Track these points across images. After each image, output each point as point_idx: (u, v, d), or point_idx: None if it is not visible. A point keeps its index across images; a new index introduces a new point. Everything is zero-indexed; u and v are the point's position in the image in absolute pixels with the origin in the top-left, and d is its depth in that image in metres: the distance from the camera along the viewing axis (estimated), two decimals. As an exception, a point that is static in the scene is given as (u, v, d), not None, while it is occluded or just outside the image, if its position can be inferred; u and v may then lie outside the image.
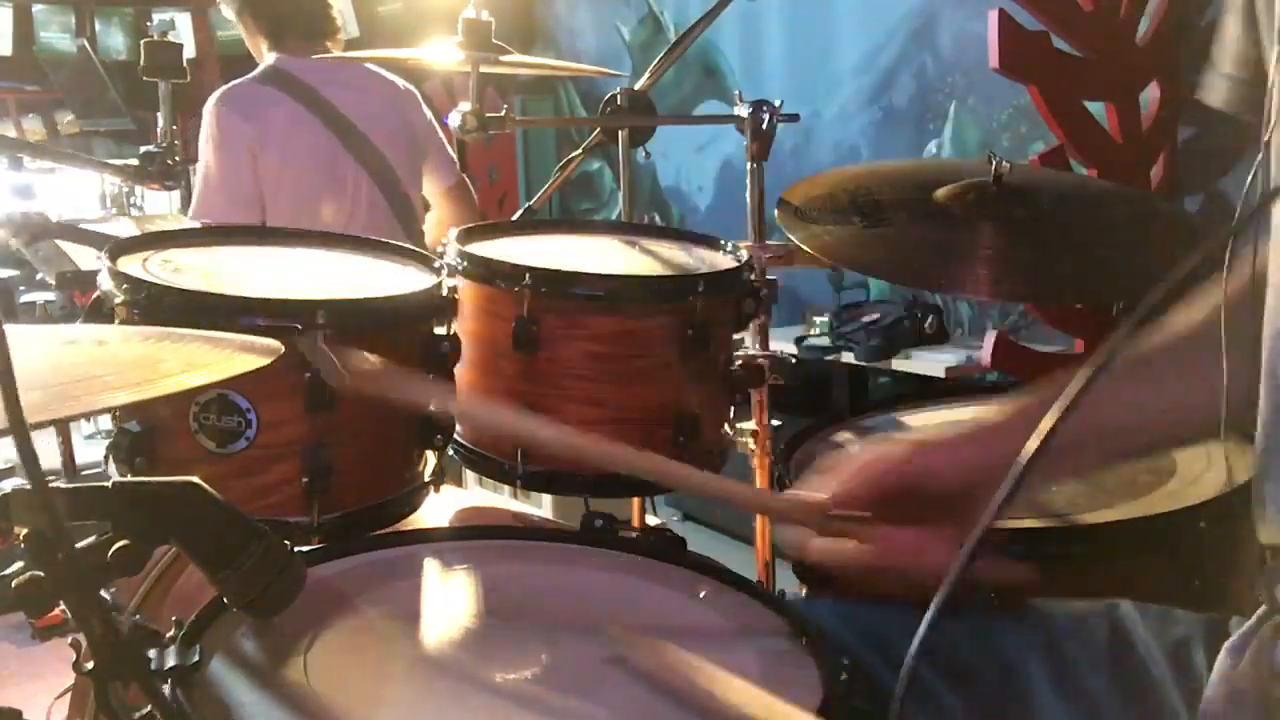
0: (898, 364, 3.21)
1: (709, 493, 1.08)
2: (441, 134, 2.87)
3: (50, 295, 3.68)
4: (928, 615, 0.57)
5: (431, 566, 1.08)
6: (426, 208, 2.92)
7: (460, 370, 1.27)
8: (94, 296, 1.15)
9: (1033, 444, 0.58)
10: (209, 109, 2.60)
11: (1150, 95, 2.78)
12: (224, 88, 2.65)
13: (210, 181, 2.60)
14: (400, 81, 2.82)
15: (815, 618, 0.97)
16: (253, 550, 0.75)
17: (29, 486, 0.65)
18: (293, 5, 2.71)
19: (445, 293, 1.25)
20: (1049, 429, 0.57)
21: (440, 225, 2.86)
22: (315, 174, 2.64)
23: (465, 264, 1.29)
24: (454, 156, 2.92)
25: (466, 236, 1.38)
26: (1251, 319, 0.79)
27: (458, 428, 1.30)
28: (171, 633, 0.82)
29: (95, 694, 0.71)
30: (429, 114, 2.86)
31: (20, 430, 0.59)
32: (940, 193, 1.53)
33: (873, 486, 0.97)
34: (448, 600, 1.04)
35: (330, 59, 2.64)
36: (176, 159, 1.71)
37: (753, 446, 1.57)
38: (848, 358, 3.31)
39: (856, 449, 1.03)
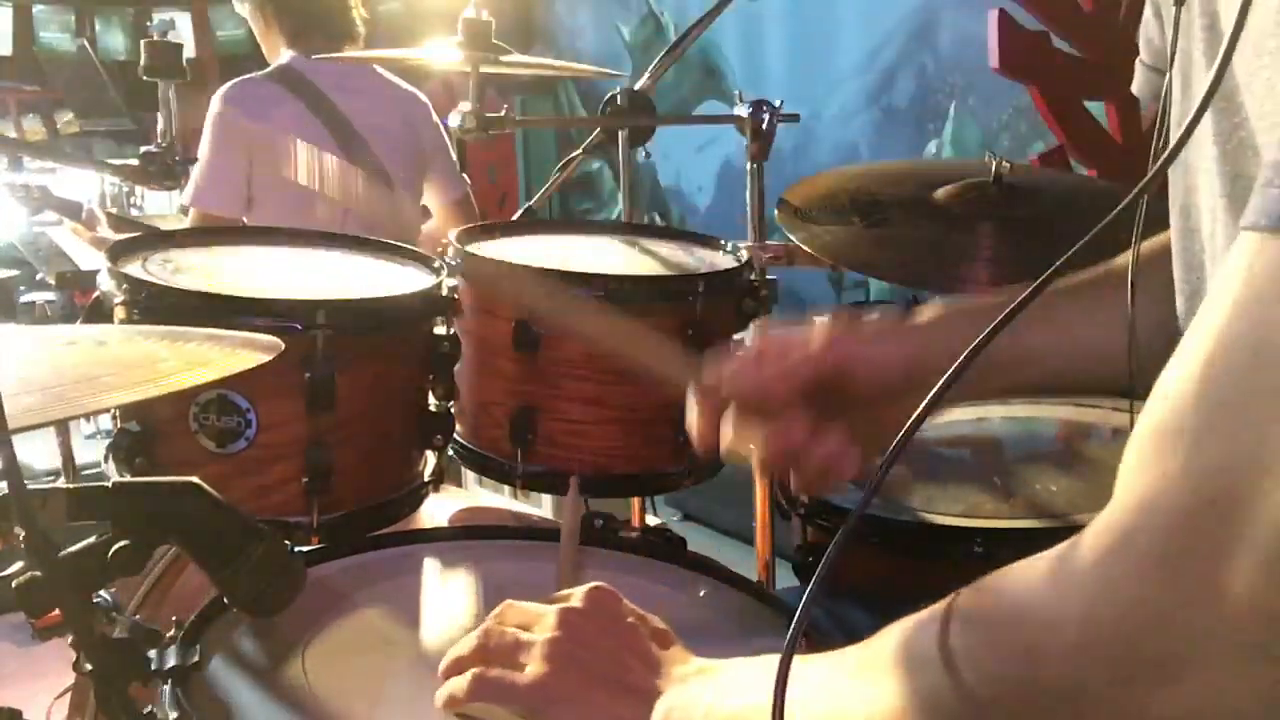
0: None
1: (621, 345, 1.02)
2: (451, 148, 2.88)
3: (50, 295, 3.67)
4: (843, 529, 0.57)
5: (431, 566, 1.08)
6: (426, 217, 2.93)
7: (460, 370, 1.27)
8: (94, 296, 1.15)
9: (943, 380, 0.57)
10: (215, 101, 2.63)
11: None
12: (233, 82, 2.67)
13: (204, 172, 2.62)
14: (417, 93, 2.83)
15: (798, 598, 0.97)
16: (253, 550, 0.75)
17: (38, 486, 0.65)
18: (320, 5, 2.73)
19: (445, 293, 1.25)
20: (960, 364, 0.57)
21: (438, 237, 2.87)
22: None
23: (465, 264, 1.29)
24: (461, 172, 2.94)
25: (466, 236, 1.38)
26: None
27: (458, 427, 1.30)
28: (171, 633, 0.83)
29: (95, 694, 0.71)
30: (441, 128, 2.87)
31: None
32: (940, 193, 1.53)
33: (789, 376, 0.90)
34: (448, 600, 1.04)
35: (344, 63, 2.65)
36: (176, 159, 1.71)
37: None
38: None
39: (774, 333, 0.95)
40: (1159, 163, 0.55)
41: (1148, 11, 0.84)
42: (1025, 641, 0.54)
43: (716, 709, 0.72)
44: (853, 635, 1.09)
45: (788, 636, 0.58)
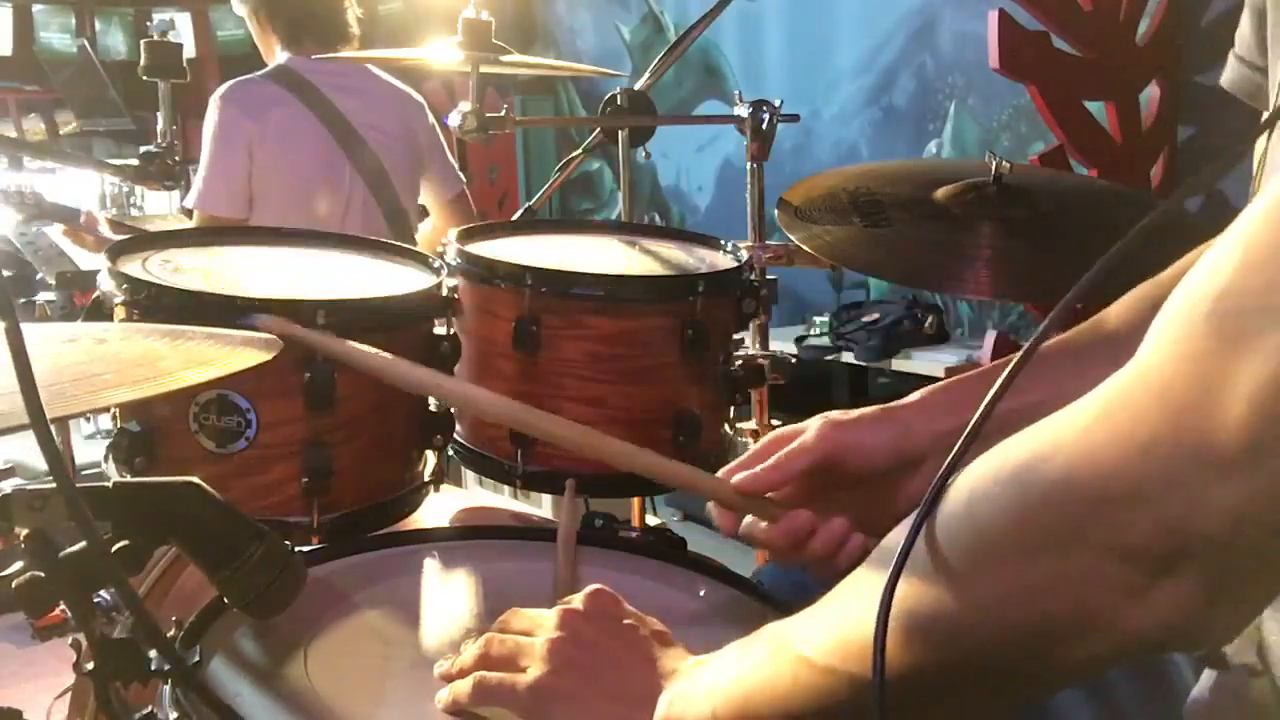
0: (898, 364, 3.21)
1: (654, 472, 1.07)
2: (446, 147, 2.89)
3: (50, 295, 3.67)
4: (884, 588, 0.57)
5: (431, 566, 1.08)
6: (424, 215, 2.94)
7: (460, 370, 1.27)
8: (94, 296, 1.15)
9: (961, 436, 0.58)
10: (214, 101, 2.64)
11: (1150, 95, 2.78)
12: (231, 82, 2.67)
13: (207, 174, 2.63)
14: (411, 92, 2.84)
15: (785, 586, 0.98)
16: (253, 550, 0.75)
17: (37, 486, 0.65)
18: (312, 8, 2.73)
19: (445, 293, 1.25)
20: (976, 421, 0.58)
21: (435, 235, 2.88)
22: (310, 175, 2.66)
23: (465, 264, 1.29)
24: (458, 170, 2.94)
25: (466, 236, 1.38)
26: None
27: (458, 427, 1.30)
28: (171, 633, 0.82)
29: (95, 694, 0.71)
30: (436, 126, 2.87)
31: (42, 428, 0.58)
32: (940, 193, 1.53)
33: (788, 470, 0.98)
34: (448, 600, 1.04)
35: (341, 62, 2.66)
36: (176, 159, 1.71)
37: (753, 446, 1.57)
38: (848, 358, 3.31)
39: (773, 432, 1.04)
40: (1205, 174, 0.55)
41: (1247, 6, 0.85)
42: (1020, 478, 0.54)
43: (717, 685, 0.73)
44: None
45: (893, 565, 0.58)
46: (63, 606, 0.69)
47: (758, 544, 1.00)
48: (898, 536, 0.59)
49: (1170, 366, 0.50)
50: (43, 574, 0.68)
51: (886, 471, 0.98)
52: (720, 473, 1.03)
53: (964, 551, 0.57)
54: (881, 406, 1.01)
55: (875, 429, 0.99)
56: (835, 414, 1.01)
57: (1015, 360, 0.58)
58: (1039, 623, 0.54)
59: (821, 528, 0.96)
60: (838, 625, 0.65)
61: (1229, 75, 0.89)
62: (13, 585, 0.68)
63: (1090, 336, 0.97)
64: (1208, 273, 0.50)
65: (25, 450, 3.17)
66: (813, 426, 1.00)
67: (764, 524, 0.99)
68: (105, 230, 2.56)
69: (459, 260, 1.29)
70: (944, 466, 0.58)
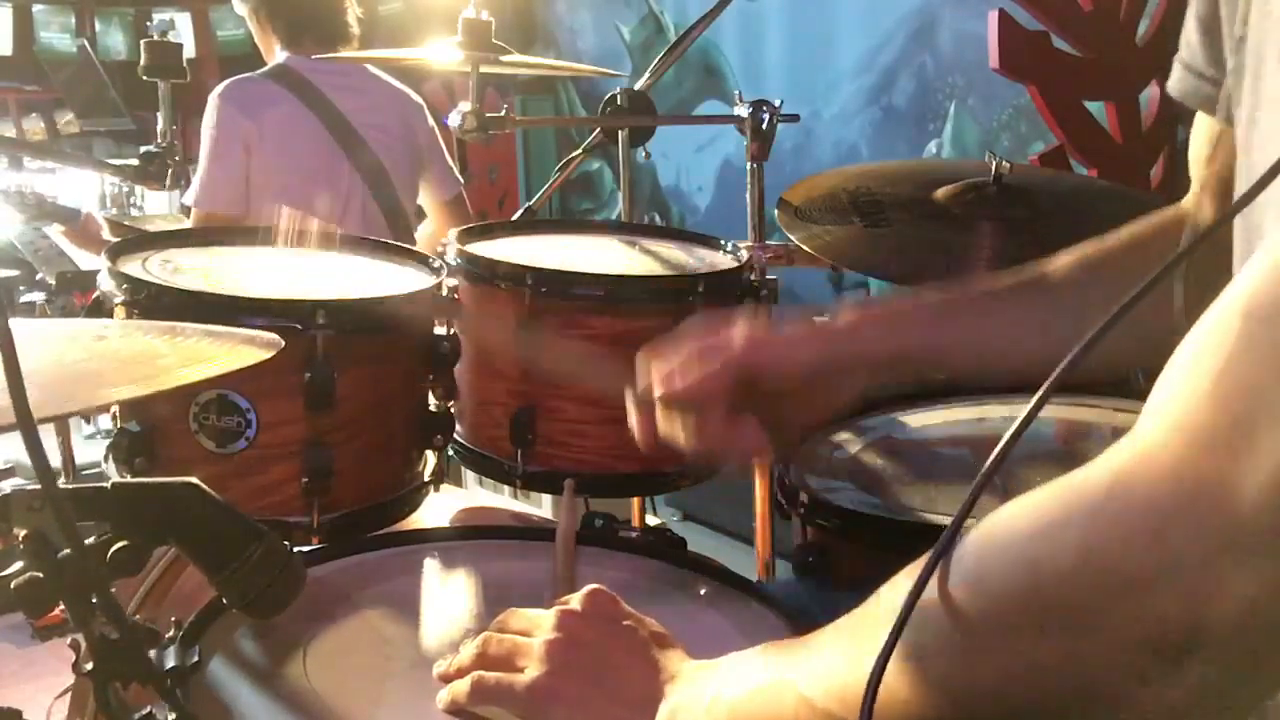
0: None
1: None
2: (445, 148, 2.89)
3: (50, 295, 3.67)
4: (920, 573, 0.57)
5: (431, 566, 1.08)
6: (422, 217, 2.94)
7: (460, 370, 1.27)
8: (94, 296, 1.15)
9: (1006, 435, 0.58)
10: (212, 100, 2.64)
11: (1150, 95, 2.77)
12: (229, 80, 2.68)
13: (206, 173, 2.63)
14: (410, 92, 2.84)
15: (799, 600, 0.97)
16: (252, 550, 0.75)
17: (36, 487, 0.65)
18: (312, 8, 2.74)
19: (445, 293, 1.25)
20: (1019, 425, 0.57)
21: (433, 237, 2.88)
22: (308, 174, 2.66)
23: (465, 264, 1.29)
24: (456, 172, 2.94)
25: (466, 236, 1.38)
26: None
27: (458, 427, 1.30)
28: (171, 633, 0.82)
29: (95, 694, 0.71)
30: (435, 127, 2.88)
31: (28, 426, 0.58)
32: (940, 193, 1.53)
33: (712, 386, 1.00)
34: (448, 600, 1.04)
35: (340, 62, 2.66)
36: (176, 159, 1.71)
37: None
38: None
39: (692, 339, 1.04)
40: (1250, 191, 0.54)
41: (1190, 11, 0.84)
42: (1030, 552, 0.54)
43: (720, 699, 0.73)
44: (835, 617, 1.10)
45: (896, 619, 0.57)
46: (62, 606, 0.69)
47: (674, 448, 1.02)
48: (906, 584, 0.58)
49: (1180, 445, 0.49)
50: (42, 574, 0.68)
51: (802, 386, 1.01)
52: (641, 367, 1.04)
53: (974, 620, 0.56)
54: (809, 323, 1.04)
55: (800, 346, 1.01)
56: (760, 325, 1.03)
57: (1038, 397, 0.56)
58: (1046, 699, 0.54)
59: (736, 435, 0.99)
60: (840, 672, 0.65)
61: (1177, 84, 0.87)
62: (12, 586, 0.68)
63: (1032, 285, 1.00)
64: (1210, 347, 0.49)
65: (25, 450, 3.16)
66: (736, 337, 1.01)
67: (680, 430, 1.01)
68: (107, 234, 2.56)
69: (459, 260, 1.29)
70: (957, 515, 0.57)
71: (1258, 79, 0.63)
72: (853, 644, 0.65)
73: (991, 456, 0.57)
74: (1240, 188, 0.70)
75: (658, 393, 1.01)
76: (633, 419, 1.05)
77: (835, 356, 1.01)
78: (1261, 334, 0.47)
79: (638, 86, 1.87)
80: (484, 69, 1.53)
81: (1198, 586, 0.48)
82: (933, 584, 0.58)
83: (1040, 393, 0.56)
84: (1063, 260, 1.00)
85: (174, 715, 0.75)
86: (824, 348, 1.01)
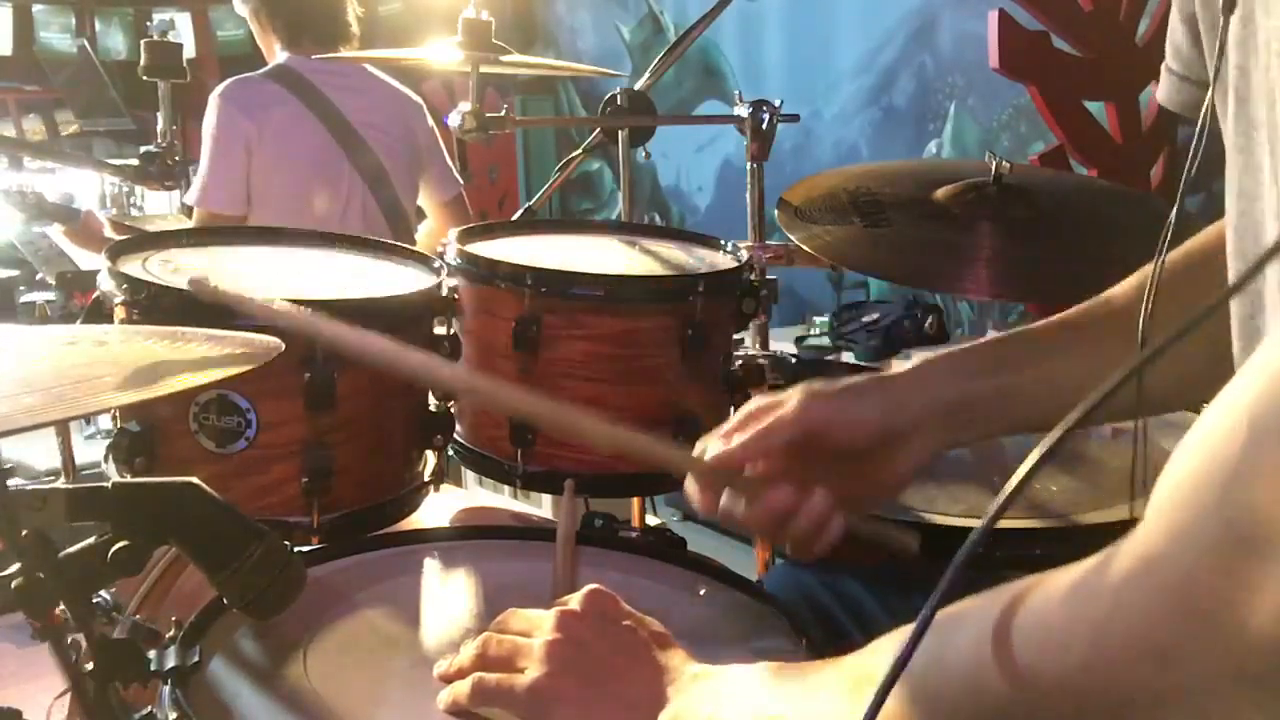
0: (898, 364, 3.20)
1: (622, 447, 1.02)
2: (445, 148, 2.89)
3: (50, 295, 3.67)
4: (932, 599, 0.56)
5: (431, 566, 1.08)
6: (422, 217, 2.94)
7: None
8: (94, 297, 1.15)
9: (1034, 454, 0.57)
10: (212, 100, 2.64)
11: (1150, 95, 2.77)
12: (230, 80, 2.68)
13: (207, 170, 2.64)
14: (410, 93, 2.85)
15: (795, 582, 0.96)
16: (253, 550, 0.75)
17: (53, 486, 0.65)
18: (312, 8, 2.74)
19: (445, 293, 1.25)
20: (1047, 446, 0.56)
21: (433, 236, 2.88)
22: (309, 174, 2.67)
23: (465, 264, 1.29)
24: (456, 172, 2.94)
25: (466, 236, 1.38)
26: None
27: (458, 427, 1.30)
28: (171, 633, 0.82)
29: (95, 694, 0.71)
30: (434, 128, 2.88)
31: None
32: (940, 193, 1.53)
33: (766, 444, 0.93)
34: (448, 600, 1.04)
35: (340, 62, 2.66)
36: (176, 159, 1.72)
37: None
38: (848, 358, 3.31)
39: (752, 403, 0.98)
40: None
41: (1174, 17, 0.82)
42: (1032, 656, 0.54)
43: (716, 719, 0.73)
44: (852, 609, 1.08)
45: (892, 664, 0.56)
46: (62, 607, 0.69)
47: (737, 524, 0.94)
48: (891, 653, 0.57)
49: (1186, 560, 0.48)
50: (42, 574, 0.68)
51: (871, 445, 0.94)
52: (698, 446, 0.97)
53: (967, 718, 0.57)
54: (870, 376, 0.97)
55: (861, 401, 0.95)
56: (818, 384, 0.96)
57: (1073, 415, 0.54)
58: None
59: (803, 507, 0.91)
60: None
61: (1166, 92, 0.85)
62: (12, 586, 0.68)
63: (1099, 313, 0.96)
64: (1218, 456, 0.48)
65: (25, 450, 3.17)
66: (794, 397, 0.95)
67: (743, 503, 0.93)
68: (109, 233, 2.56)
69: (459, 260, 1.29)
70: (965, 544, 0.55)
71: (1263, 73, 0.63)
72: (849, 701, 0.65)
73: (1000, 497, 0.55)
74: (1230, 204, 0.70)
75: (709, 455, 0.95)
76: (694, 496, 0.97)
77: (900, 405, 0.94)
78: (1269, 446, 0.46)
79: (638, 87, 1.87)
80: (484, 69, 1.53)
81: (1208, 711, 0.47)
82: (934, 681, 0.58)
83: (1045, 443, 0.54)
84: (1127, 283, 0.96)
85: (174, 715, 0.75)
86: (886, 398, 0.95)
